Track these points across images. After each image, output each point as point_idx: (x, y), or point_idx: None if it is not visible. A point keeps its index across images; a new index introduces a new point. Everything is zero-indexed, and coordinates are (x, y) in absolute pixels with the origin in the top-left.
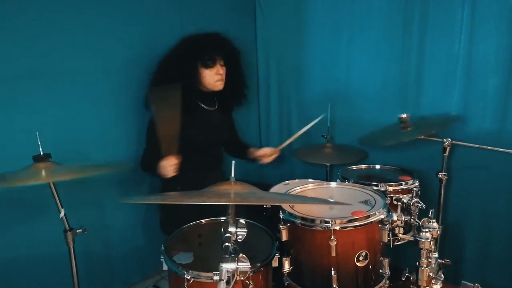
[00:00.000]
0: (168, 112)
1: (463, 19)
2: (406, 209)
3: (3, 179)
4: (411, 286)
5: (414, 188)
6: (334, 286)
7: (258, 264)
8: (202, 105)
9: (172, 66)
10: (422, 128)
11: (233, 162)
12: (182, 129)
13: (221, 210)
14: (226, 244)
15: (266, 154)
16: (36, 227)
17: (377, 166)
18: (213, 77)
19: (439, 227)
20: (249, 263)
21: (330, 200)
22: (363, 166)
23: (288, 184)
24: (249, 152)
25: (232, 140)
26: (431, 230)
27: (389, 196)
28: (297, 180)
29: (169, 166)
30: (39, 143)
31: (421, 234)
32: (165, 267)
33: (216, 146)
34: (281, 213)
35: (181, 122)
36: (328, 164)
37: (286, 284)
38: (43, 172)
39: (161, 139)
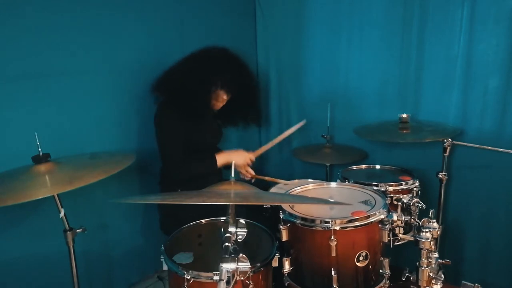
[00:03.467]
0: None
1: (463, 19)
2: (406, 209)
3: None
4: (411, 286)
5: (414, 188)
6: (334, 286)
7: (258, 264)
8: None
9: (199, 69)
10: (419, 134)
11: (233, 162)
12: (188, 133)
13: (220, 209)
14: (226, 244)
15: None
16: (36, 227)
17: (377, 166)
18: (218, 99)
19: (439, 227)
20: (249, 263)
21: (330, 200)
22: (363, 166)
23: (288, 184)
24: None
25: None
26: (431, 230)
27: (389, 196)
28: (297, 180)
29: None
30: (38, 143)
31: (421, 234)
32: (165, 267)
33: (214, 147)
34: (281, 213)
35: (187, 126)
36: (328, 164)
37: (286, 284)
38: (48, 180)
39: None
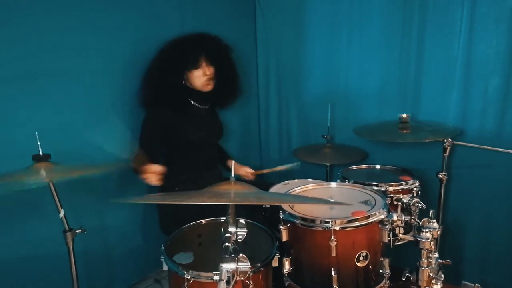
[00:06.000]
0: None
1: (463, 19)
2: (406, 209)
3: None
4: (412, 286)
5: (415, 188)
6: (334, 286)
7: (258, 264)
8: (195, 104)
9: (160, 70)
10: (419, 134)
11: (233, 162)
12: (176, 128)
13: (220, 209)
14: (226, 244)
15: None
16: (36, 227)
17: (377, 166)
18: (201, 78)
19: (439, 227)
20: (249, 263)
21: (330, 200)
22: (363, 166)
23: (288, 184)
24: (228, 163)
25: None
26: (431, 230)
27: (390, 196)
28: (297, 180)
29: (153, 174)
30: (39, 143)
31: (421, 234)
32: (165, 267)
33: (210, 144)
34: (281, 213)
35: (174, 122)
36: (328, 164)
37: (286, 284)
38: (43, 171)
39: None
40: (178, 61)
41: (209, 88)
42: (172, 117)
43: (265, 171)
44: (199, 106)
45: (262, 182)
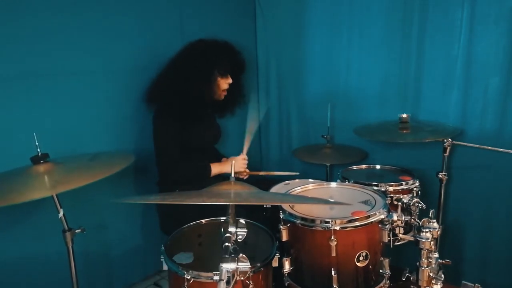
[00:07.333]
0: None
1: (463, 19)
2: (406, 209)
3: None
4: (412, 286)
5: (415, 188)
6: (334, 286)
7: (258, 264)
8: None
9: (188, 68)
10: (419, 134)
11: (233, 162)
12: (188, 133)
13: (220, 209)
14: (226, 244)
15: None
16: (35, 227)
17: (377, 166)
18: (223, 86)
19: (439, 227)
20: (249, 263)
21: (330, 200)
22: (363, 166)
23: (288, 184)
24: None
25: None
26: (431, 230)
27: (390, 196)
28: (297, 180)
29: (243, 160)
30: (37, 143)
31: (421, 234)
32: (165, 267)
33: (212, 147)
34: (281, 213)
35: (186, 127)
36: (328, 164)
37: (286, 284)
38: (46, 180)
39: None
40: (213, 64)
41: (222, 97)
42: (183, 123)
43: (262, 173)
44: (204, 111)
45: (263, 182)
